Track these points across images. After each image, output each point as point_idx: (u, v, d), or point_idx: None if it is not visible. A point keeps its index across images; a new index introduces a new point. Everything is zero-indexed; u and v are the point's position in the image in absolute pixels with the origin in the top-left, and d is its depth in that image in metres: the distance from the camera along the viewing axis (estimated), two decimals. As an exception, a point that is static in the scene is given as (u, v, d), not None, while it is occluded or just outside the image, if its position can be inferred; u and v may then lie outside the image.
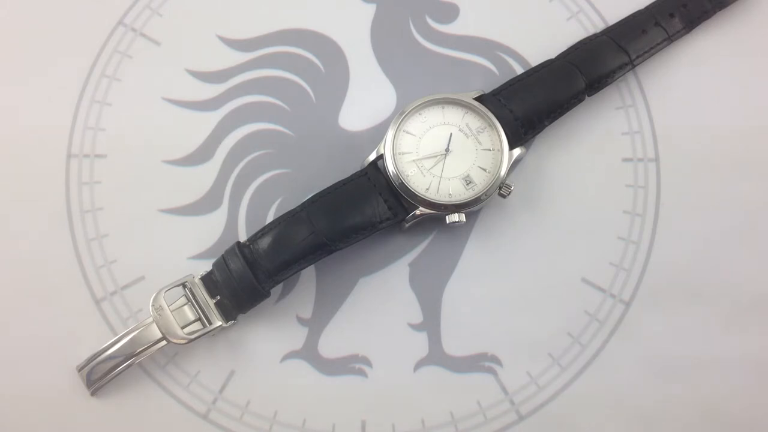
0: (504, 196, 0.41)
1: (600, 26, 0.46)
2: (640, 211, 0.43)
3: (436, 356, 0.42)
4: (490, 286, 0.42)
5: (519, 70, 0.45)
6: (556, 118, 0.43)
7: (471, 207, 0.41)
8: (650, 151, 0.44)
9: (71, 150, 0.43)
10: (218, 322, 0.40)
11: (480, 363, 0.41)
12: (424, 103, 0.42)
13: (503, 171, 0.41)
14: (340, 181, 0.41)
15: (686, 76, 0.45)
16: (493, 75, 0.45)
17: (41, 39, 0.45)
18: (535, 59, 0.45)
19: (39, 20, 0.45)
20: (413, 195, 0.41)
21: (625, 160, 0.44)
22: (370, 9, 0.46)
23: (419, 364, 0.41)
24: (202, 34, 0.45)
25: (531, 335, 0.42)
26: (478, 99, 0.43)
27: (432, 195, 0.41)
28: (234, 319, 0.41)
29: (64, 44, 0.45)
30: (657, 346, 0.42)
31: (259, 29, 0.45)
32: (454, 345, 0.42)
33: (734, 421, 0.41)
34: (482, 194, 0.41)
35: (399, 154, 0.41)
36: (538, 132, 0.43)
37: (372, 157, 0.42)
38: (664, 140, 0.44)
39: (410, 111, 0.42)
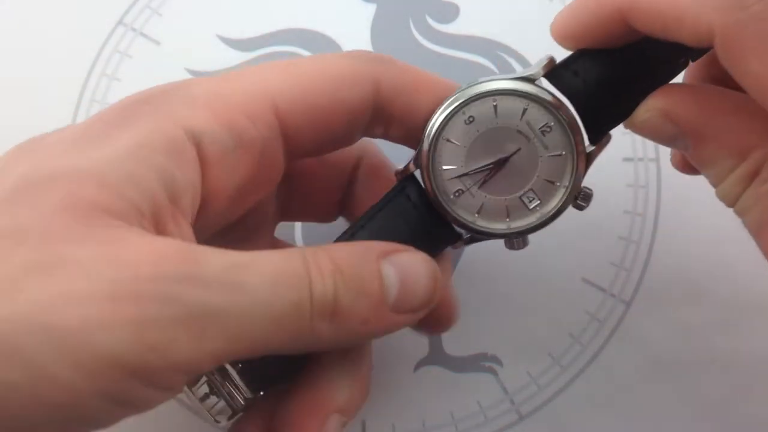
0: (582, 207, 0.33)
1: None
2: (640, 210, 0.43)
3: (436, 356, 0.42)
4: (490, 286, 0.42)
5: (520, 69, 0.45)
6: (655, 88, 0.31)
7: (534, 231, 0.33)
8: (650, 151, 0.44)
9: (71, 150, 0.43)
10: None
11: (480, 363, 0.41)
12: (470, 98, 0.31)
13: (578, 181, 0.32)
14: (374, 206, 0.33)
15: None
16: (494, 75, 0.45)
17: (40, 39, 0.45)
18: (536, 59, 0.44)
19: (38, 20, 0.45)
20: (461, 223, 0.32)
21: (626, 159, 0.44)
22: (371, 8, 0.46)
23: (419, 364, 0.41)
24: (202, 33, 0.45)
25: (531, 335, 0.42)
26: (545, 76, 0.32)
27: (484, 221, 0.32)
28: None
29: (63, 44, 0.45)
30: (657, 345, 0.42)
31: (259, 29, 0.45)
32: (454, 345, 0.42)
33: (734, 421, 0.41)
34: (550, 214, 0.32)
35: (440, 170, 0.32)
36: (627, 117, 0.32)
37: (411, 167, 0.33)
38: (665, 140, 0.44)
39: (451, 110, 0.32)
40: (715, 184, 0.31)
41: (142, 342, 0.23)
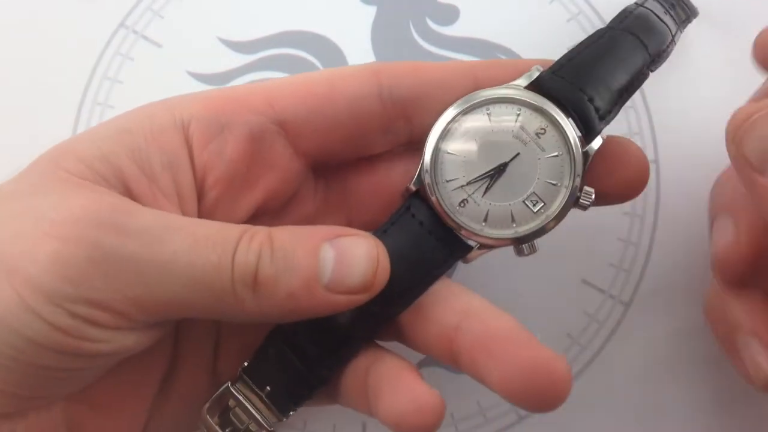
0: (585, 207, 0.33)
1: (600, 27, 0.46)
2: (639, 212, 0.43)
3: (437, 357, 0.42)
4: (489, 287, 0.42)
5: (519, 71, 0.45)
6: (629, 98, 0.34)
7: (542, 234, 0.33)
8: (650, 152, 0.44)
9: (73, 152, 0.44)
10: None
11: (480, 363, 0.42)
12: (463, 110, 0.33)
13: (577, 180, 0.32)
14: (379, 228, 0.33)
15: (685, 77, 0.45)
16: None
17: (43, 42, 0.45)
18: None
19: (40, 23, 0.45)
20: (470, 233, 0.32)
21: (625, 161, 0.44)
22: (371, 11, 0.46)
23: (419, 365, 0.42)
24: (203, 36, 0.45)
25: (531, 336, 0.42)
26: (534, 84, 0.33)
27: (491, 229, 0.32)
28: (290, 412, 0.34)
29: (65, 47, 0.45)
30: (656, 346, 0.42)
31: (260, 31, 0.46)
32: (454, 346, 0.42)
33: (735, 421, 0.41)
34: (554, 216, 0.32)
35: (443, 182, 0.32)
36: (614, 117, 0.33)
37: (411, 188, 0.33)
38: (664, 141, 0.44)
39: (447, 123, 0.33)
40: None
41: (58, 273, 0.27)
